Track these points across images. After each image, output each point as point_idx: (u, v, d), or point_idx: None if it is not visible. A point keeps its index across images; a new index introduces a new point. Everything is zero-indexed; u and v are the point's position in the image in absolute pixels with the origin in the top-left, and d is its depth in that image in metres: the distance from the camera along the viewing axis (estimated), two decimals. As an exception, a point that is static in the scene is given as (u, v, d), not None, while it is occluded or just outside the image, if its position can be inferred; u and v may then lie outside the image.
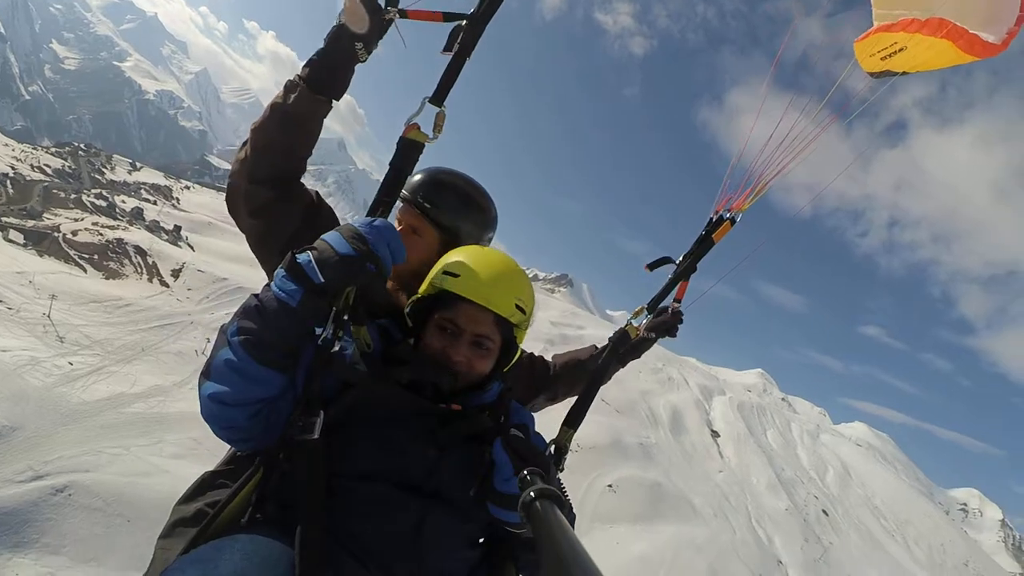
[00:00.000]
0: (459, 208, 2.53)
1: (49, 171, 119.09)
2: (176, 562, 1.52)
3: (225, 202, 2.42)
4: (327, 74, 2.16)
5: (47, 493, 31.28)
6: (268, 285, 1.77)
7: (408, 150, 2.20)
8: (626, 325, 3.01)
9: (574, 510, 2.00)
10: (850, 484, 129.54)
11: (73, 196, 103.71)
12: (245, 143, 2.29)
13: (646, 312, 3.07)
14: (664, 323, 3.22)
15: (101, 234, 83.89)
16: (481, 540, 2.00)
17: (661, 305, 3.17)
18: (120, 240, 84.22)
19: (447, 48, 2.21)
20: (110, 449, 34.84)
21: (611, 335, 3.06)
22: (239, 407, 1.74)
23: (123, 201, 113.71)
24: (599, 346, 3.29)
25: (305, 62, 2.18)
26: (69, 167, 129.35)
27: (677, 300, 3.17)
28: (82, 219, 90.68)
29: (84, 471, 33.21)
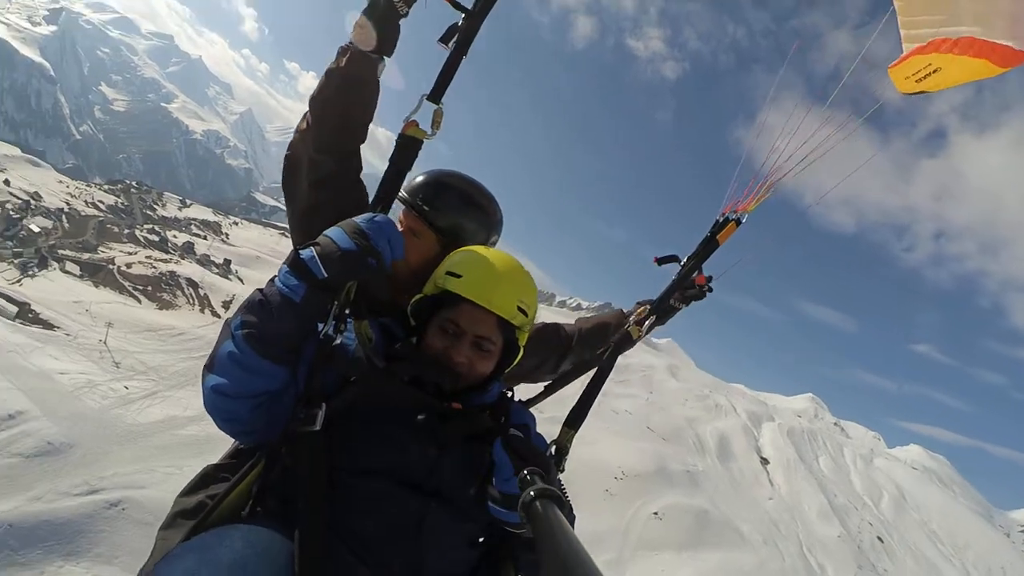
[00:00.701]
0: (458, 210, 2.52)
1: (103, 207, 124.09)
2: (177, 548, 1.52)
3: (282, 173, 2.50)
4: (377, 30, 2.21)
5: (101, 507, 32.41)
6: (272, 280, 1.81)
7: (407, 147, 2.25)
8: (628, 327, 2.94)
9: (573, 511, 1.98)
10: (905, 509, 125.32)
11: (127, 231, 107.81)
12: (305, 116, 2.38)
13: (649, 312, 2.98)
14: (693, 294, 3.07)
15: (154, 267, 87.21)
16: (481, 540, 2.00)
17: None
18: (173, 273, 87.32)
19: (443, 39, 2.25)
20: (163, 468, 35.83)
21: (614, 336, 2.97)
22: (241, 399, 1.78)
23: (174, 236, 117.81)
24: (626, 311, 3.21)
25: (353, 28, 2.25)
26: (122, 203, 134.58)
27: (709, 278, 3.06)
28: (136, 253, 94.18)
29: (138, 487, 34.31)
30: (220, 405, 1.77)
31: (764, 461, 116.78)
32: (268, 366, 1.75)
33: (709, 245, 2.91)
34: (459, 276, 2.00)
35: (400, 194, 2.45)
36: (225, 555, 1.43)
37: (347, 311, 1.90)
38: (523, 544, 1.91)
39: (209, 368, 1.77)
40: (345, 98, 2.30)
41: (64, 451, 35.22)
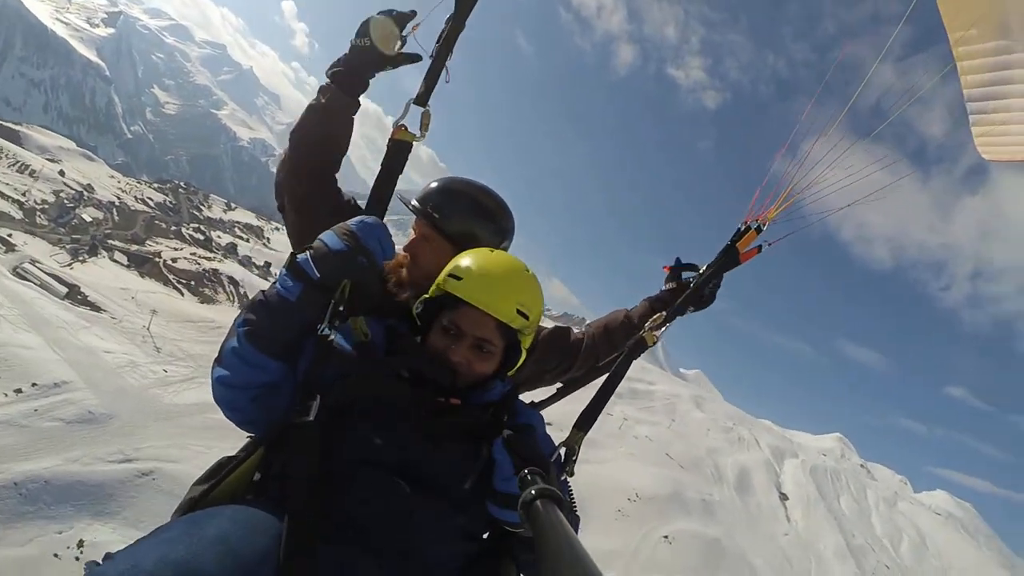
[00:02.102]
0: (468, 216, 2.55)
1: (152, 204, 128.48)
2: (170, 521, 1.60)
3: (277, 208, 2.64)
4: (357, 79, 2.43)
5: (133, 475, 34.63)
6: (274, 282, 1.92)
7: (397, 150, 2.35)
8: (643, 332, 2.87)
9: (577, 511, 2.07)
10: (925, 555, 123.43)
11: (173, 228, 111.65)
12: (286, 148, 2.55)
13: (664, 319, 2.90)
14: (703, 297, 3.03)
15: (198, 263, 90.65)
16: (479, 535, 2.05)
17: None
18: (216, 270, 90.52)
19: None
20: (194, 446, 37.98)
21: (628, 342, 2.91)
22: (241, 390, 1.88)
23: (219, 236, 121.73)
24: (629, 309, 3.18)
25: (333, 66, 2.46)
26: (170, 202, 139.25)
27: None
28: (181, 249, 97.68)
29: (170, 461, 36.45)
30: (223, 395, 1.91)
31: (783, 497, 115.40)
32: (266, 361, 1.86)
33: (729, 254, 2.90)
34: (459, 279, 2.05)
35: (412, 203, 2.56)
36: (210, 530, 1.45)
37: (342, 308, 1.95)
38: (522, 544, 1.93)
39: (217, 361, 1.90)
40: (321, 131, 2.47)
41: (103, 421, 37.59)
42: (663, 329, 2.87)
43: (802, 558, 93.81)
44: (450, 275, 2.07)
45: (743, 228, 2.87)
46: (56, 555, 30.06)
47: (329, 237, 1.88)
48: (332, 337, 1.88)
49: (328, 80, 2.43)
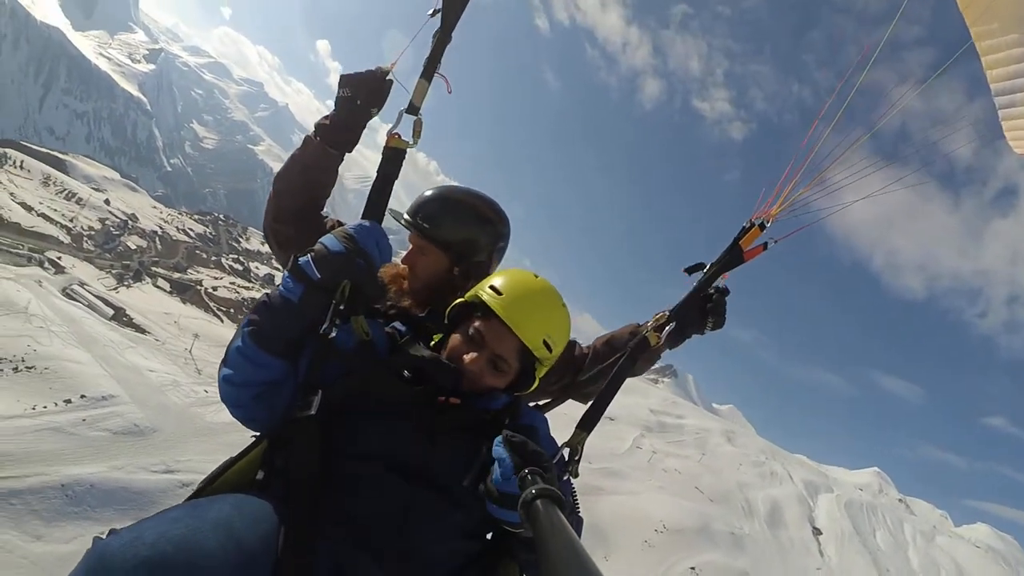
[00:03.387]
0: (459, 222, 2.58)
1: (192, 234, 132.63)
2: (174, 505, 1.61)
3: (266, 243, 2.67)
4: (342, 135, 2.50)
5: (175, 485, 35.94)
6: (278, 284, 2.00)
7: (391, 157, 2.37)
8: (646, 332, 2.81)
9: (580, 512, 2.11)
10: None
11: (213, 258, 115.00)
12: (271, 192, 2.60)
13: (668, 318, 2.84)
14: (711, 307, 2.91)
15: (238, 292, 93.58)
16: (479, 534, 2.04)
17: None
18: (254, 299, 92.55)
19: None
20: (231, 461, 39.42)
21: (630, 343, 2.83)
22: (244, 387, 1.95)
23: (257, 267, 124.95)
24: (641, 323, 3.03)
25: (321, 122, 2.52)
26: (210, 233, 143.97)
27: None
28: (221, 278, 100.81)
29: (207, 474, 37.88)
30: (228, 393, 1.96)
31: (816, 531, 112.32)
32: (268, 359, 1.91)
33: (733, 251, 2.82)
34: (499, 294, 2.08)
35: (403, 217, 2.60)
36: (212, 513, 1.48)
37: (342, 308, 1.97)
38: (522, 543, 1.90)
39: (223, 362, 1.96)
40: (303, 181, 2.55)
41: (148, 434, 39.30)
42: (667, 329, 2.82)
43: None
44: (491, 287, 2.13)
45: (747, 225, 2.83)
46: (98, 555, 31.56)
47: (329, 240, 1.96)
48: (333, 336, 1.93)
49: (315, 133, 2.53)
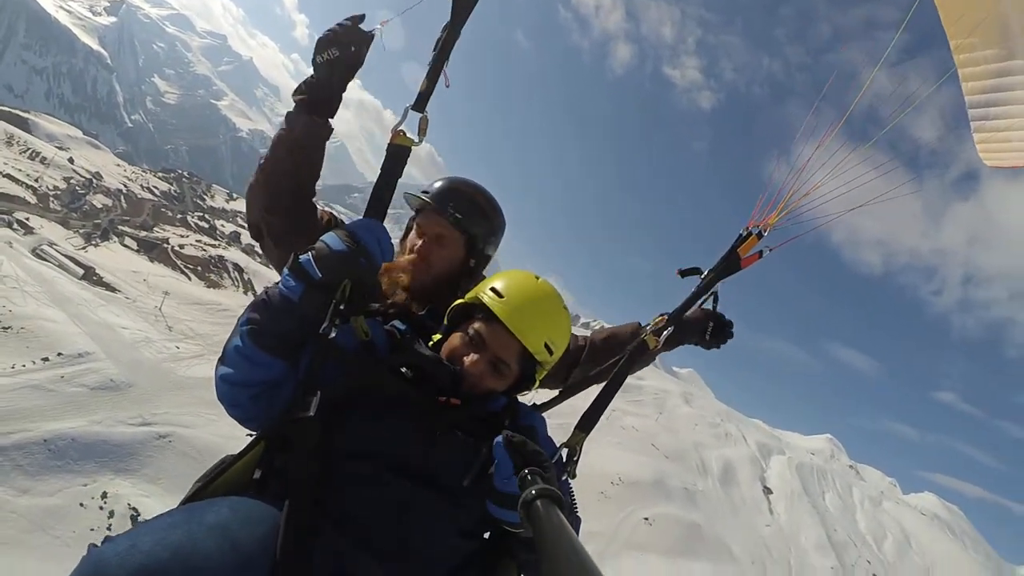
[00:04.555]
0: (482, 215, 2.60)
1: (157, 192, 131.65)
2: (171, 509, 1.60)
3: (252, 238, 2.58)
4: (331, 99, 2.37)
5: (152, 437, 38.14)
6: (277, 282, 1.93)
7: (396, 154, 2.27)
8: (644, 335, 2.74)
9: (578, 512, 2.10)
10: (909, 553, 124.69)
11: (179, 216, 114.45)
12: (257, 175, 2.43)
13: (667, 322, 2.78)
14: (716, 326, 2.93)
15: (204, 250, 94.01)
16: (478, 534, 2.03)
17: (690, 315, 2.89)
18: (221, 257, 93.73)
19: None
20: (206, 414, 41.40)
21: (629, 345, 2.77)
22: (243, 387, 1.90)
23: (222, 225, 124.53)
24: (643, 323, 2.94)
25: (297, 92, 2.37)
26: (174, 191, 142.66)
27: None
28: (187, 236, 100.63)
29: (184, 426, 39.96)
30: (226, 392, 1.93)
31: (767, 491, 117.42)
32: (268, 359, 1.87)
33: (730, 258, 2.77)
34: (501, 297, 2.07)
35: (425, 202, 2.54)
36: (209, 517, 1.47)
37: (343, 308, 1.91)
38: (522, 543, 1.89)
39: (221, 360, 1.93)
40: (295, 162, 2.40)
41: (123, 389, 41.06)
42: (665, 333, 2.76)
43: (782, 548, 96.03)
44: (492, 289, 2.11)
45: (744, 233, 2.79)
46: (82, 504, 33.19)
47: (331, 238, 1.91)
48: (333, 335, 1.87)
49: (297, 108, 2.37)
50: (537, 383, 2.25)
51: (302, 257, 1.86)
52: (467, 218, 2.55)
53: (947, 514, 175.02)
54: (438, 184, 2.64)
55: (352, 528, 1.77)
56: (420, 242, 2.58)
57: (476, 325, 2.10)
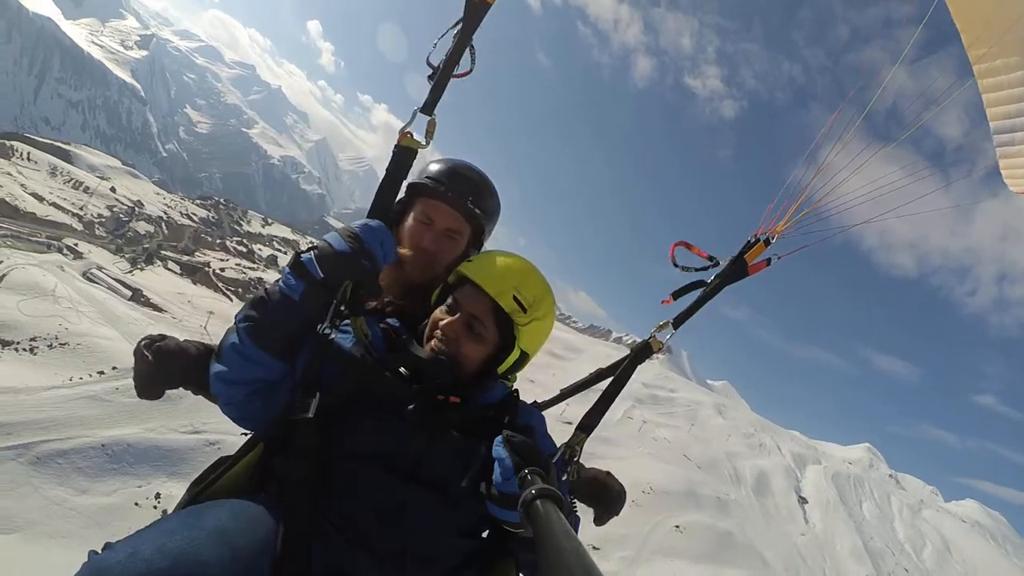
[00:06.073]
0: (495, 211, 2.57)
1: (196, 218, 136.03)
2: (170, 514, 1.59)
3: None
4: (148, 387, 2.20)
5: (202, 444, 40.07)
6: (277, 280, 1.94)
7: (403, 157, 2.26)
8: (649, 338, 2.68)
9: (576, 512, 2.14)
10: (949, 561, 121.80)
11: (218, 241, 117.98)
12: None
13: (671, 327, 2.71)
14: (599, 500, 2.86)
15: (244, 273, 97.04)
16: (478, 534, 2.02)
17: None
18: (260, 279, 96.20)
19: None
20: (250, 424, 43.56)
21: (633, 346, 2.71)
22: (237, 385, 1.91)
23: (259, 249, 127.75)
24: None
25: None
26: (212, 217, 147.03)
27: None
28: (227, 260, 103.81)
29: (231, 434, 41.69)
30: (220, 389, 1.94)
31: (802, 500, 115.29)
32: (264, 357, 1.87)
33: (737, 264, 2.68)
34: (471, 261, 2.15)
35: (444, 192, 2.39)
36: (208, 521, 1.46)
37: (343, 308, 1.94)
38: (522, 543, 1.87)
39: (216, 357, 1.93)
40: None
41: (175, 400, 42.92)
42: (669, 336, 2.71)
43: (816, 556, 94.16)
44: (468, 260, 2.19)
45: (752, 240, 2.69)
46: (136, 504, 35.21)
47: (334, 238, 1.92)
48: (332, 336, 1.89)
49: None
50: (518, 351, 2.15)
51: (304, 256, 1.90)
52: (484, 213, 2.48)
53: (989, 521, 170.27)
54: (440, 167, 2.50)
55: (351, 529, 1.79)
56: (428, 235, 2.41)
57: (454, 293, 2.15)
